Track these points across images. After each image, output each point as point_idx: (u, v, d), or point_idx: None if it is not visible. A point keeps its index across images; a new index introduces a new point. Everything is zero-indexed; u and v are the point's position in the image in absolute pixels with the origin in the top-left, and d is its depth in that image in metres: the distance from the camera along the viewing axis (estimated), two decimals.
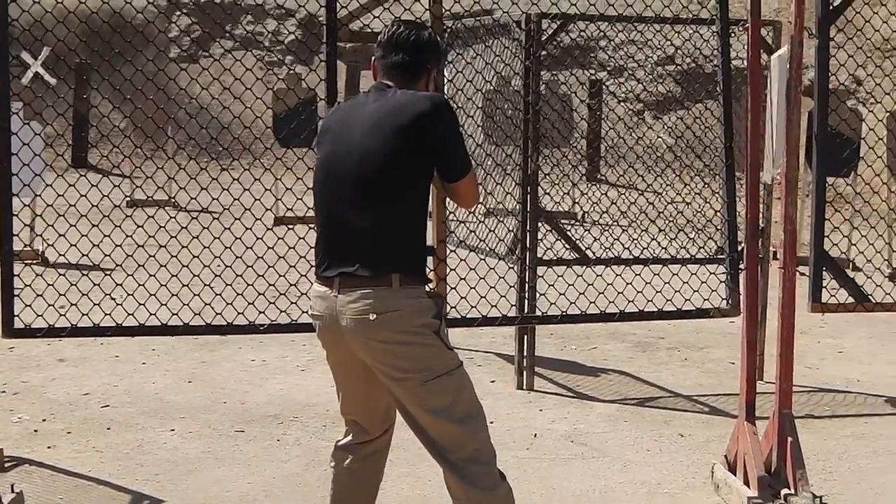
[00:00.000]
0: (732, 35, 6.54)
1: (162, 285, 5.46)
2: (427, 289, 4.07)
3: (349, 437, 4.31)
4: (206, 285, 5.47)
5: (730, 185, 6.10)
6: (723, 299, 6.09)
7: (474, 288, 5.88)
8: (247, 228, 6.08)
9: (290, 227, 6.61)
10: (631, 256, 6.96)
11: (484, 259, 7.07)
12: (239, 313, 5.53)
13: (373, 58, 4.28)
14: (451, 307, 5.68)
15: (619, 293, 6.38)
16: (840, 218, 11.49)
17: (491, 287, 6.07)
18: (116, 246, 5.46)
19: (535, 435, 6.51)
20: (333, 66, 5.41)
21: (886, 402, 7.38)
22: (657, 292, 6.19)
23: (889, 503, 5.51)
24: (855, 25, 8.35)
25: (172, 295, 5.43)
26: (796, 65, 5.26)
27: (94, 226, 5.65)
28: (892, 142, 10.58)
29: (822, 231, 5.43)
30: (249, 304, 5.49)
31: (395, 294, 3.95)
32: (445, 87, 5.79)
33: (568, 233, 7.82)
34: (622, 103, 18.55)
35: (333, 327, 4.04)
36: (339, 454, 4.33)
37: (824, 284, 5.48)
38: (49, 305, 5.29)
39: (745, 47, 5.53)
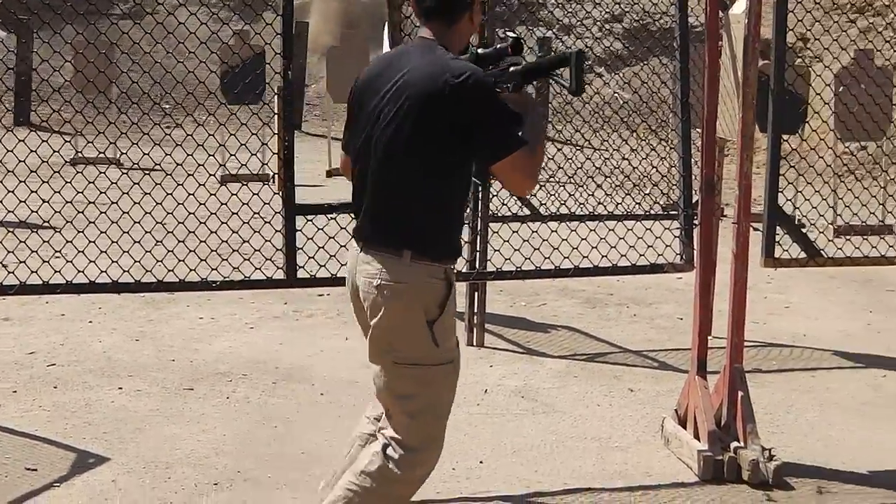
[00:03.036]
0: None
1: (113, 242, 5.38)
2: (447, 269, 3.89)
3: (372, 406, 4.24)
4: (157, 242, 5.40)
5: (685, 140, 6.10)
6: (676, 254, 6.10)
7: None
8: (202, 183, 6.02)
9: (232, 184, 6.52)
10: (584, 213, 6.98)
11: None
12: (191, 270, 5.46)
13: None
14: None
15: (573, 249, 6.38)
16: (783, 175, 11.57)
17: None
18: (67, 202, 5.37)
19: (486, 391, 6.51)
20: (290, 19, 5.34)
21: (833, 355, 7.45)
22: (612, 248, 6.21)
23: (835, 455, 5.56)
24: None
25: (124, 251, 5.35)
26: (755, 20, 5.25)
27: (44, 182, 5.57)
28: (837, 102, 10.68)
29: (776, 187, 5.46)
30: (202, 260, 5.43)
31: (407, 268, 3.81)
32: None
33: None
34: None
35: (351, 282, 4.00)
36: (360, 421, 4.29)
37: (777, 240, 5.50)
38: None
39: (702, 3, 5.51)
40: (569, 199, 7.49)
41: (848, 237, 7.24)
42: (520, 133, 3.77)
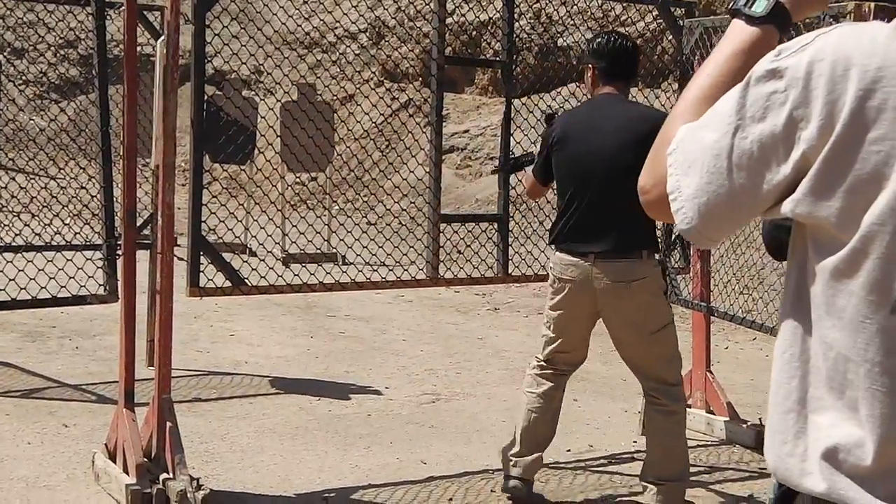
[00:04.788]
0: (109, 18, 6.45)
1: None
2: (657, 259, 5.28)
3: (550, 370, 5.41)
4: None
5: (107, 170, 6.00)
6: (100, 285, 5.98)
7: None
8: None
9: None
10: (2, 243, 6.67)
11: None
12: None
13: (590, 65, 5.23)
14: None
15: (10, 280, 6.08)
16: (236, 204, 11.75)
17: None
18: None
19: None
20: None
21: (272, 382, 7.61)
22: (31, 279, 5.97)
23: (265, 480, 5.66)
24: (248, 16, 8.54)
25: None
26: (173, 51, 5.27)
27: None
28: (285, 133, 11.00)
29: (199, 215, 5.44)
30: None
31: (644, 264, 5.10)
32: None
33: None
34: (24, 86, 17.82)
35: (586, 289, 5.13)
36: (537, 382, 5.42)
37: (202, 269, 5.50)
38: None
39: (122, 30, 5.45)
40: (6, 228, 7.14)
41: (288, 265, 7.36)
42: None
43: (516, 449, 5.42)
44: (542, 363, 5.44)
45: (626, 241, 5.08)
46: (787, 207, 1.64)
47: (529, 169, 5.63)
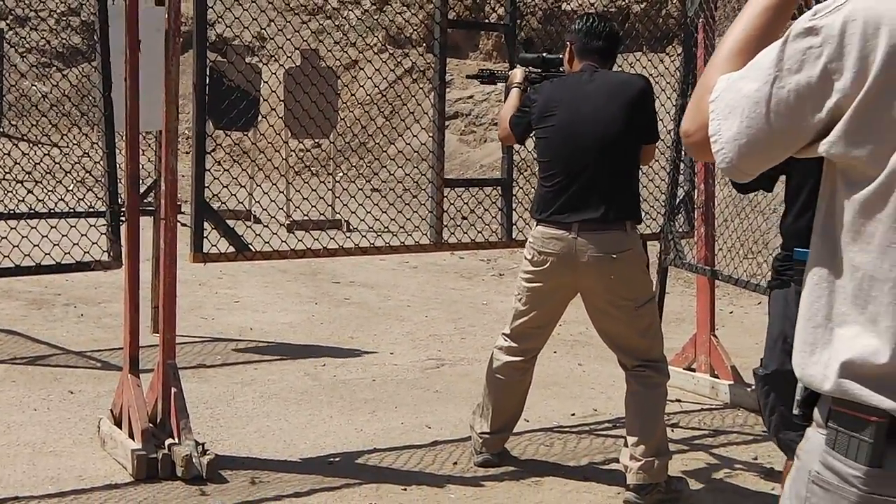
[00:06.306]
0: None
1: None
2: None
3: (518, 357, 5.31)
4: None
5: (109, 135, 5.99)
6: (104, 252, 5.98)
7: None
8: None
9: None
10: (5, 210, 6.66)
11: None
12: None
13: (568, 42, 5.20)
14: None
15: (14, 247, 6.08)
16: (239, 171, 11.73)
17: None
18: None
19: None
20: None
21: (276, 347, 7.63)
22: (34, 246, 5.97)
23: (271, 445, 5.68)
24: None
25: None
26: (175, 15, 5.24)
27: None
28: (289, 99, 10.96)
29: (202, 181, 5.43)
30: None
31: (629, 236, 5.00)
32: None
33: None
34: (26, 54, 17.76)
35: (568, 263, 4.97)
36: (506, 369, 5.32)
37: (206, 235, 5.49)
38: None
39: None
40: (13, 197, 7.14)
41: (292, 232, 7.38)
42: None
43: (486, 428, 5.44)
44: (512, 345, 5.31)
45: (611, 211, 4.95)
46: (822, 148, 1.87)
47: (513, 92, 5.45)
